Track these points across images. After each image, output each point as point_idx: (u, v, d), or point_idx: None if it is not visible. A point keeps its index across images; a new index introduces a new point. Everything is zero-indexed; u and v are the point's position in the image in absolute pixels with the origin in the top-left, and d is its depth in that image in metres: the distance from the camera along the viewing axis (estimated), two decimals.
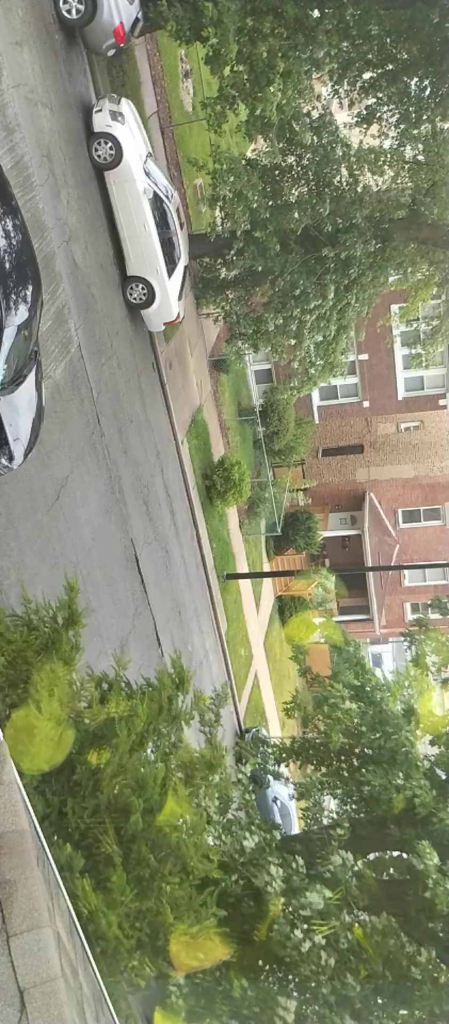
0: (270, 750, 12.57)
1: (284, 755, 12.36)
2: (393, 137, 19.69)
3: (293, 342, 20.24)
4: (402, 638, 12.65)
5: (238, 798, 11.04)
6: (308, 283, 18.70)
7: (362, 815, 11.17)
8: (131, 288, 18.50)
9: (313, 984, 9.31)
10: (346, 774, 11.41)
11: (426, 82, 18.56)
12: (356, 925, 9.85)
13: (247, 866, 9.65)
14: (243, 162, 18.65)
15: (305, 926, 9.15)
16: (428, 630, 12.21)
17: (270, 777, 12.22)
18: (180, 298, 19.45)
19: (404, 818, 10.47)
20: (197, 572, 23.29)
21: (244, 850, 9.71)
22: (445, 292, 21.71)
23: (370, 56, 17.49)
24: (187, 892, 7.91)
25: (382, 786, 10.13)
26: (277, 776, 12.29)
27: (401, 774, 9.99)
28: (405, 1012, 9.65)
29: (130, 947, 7.41)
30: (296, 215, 18.42)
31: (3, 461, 11.06)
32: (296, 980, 9.67)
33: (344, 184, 18.87)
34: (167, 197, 17.98)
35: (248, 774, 11.52)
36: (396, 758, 10.58)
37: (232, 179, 17.66)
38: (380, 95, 19.10)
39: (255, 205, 17.67)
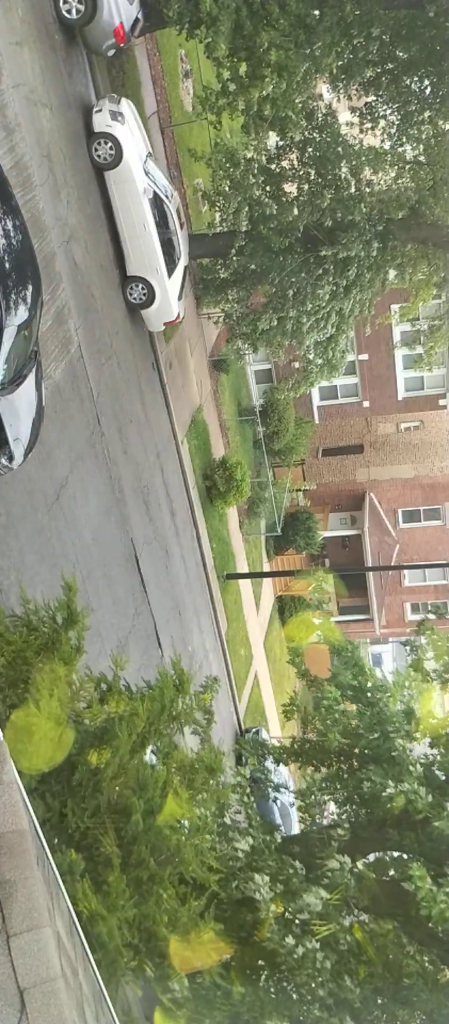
0: (269, 751, 12.55)
1: (284, 756, 12.35)
2: (394, 136, 19.72)
3: (292, 342, 20.25)
4: (404, 646, 12.64)
5: (237, 800, 11.02)
6: (305, 283, 18.70)
7: (362, 816, 11.16)
8: (131, 288, 18.51)
9: (312, 985, 9.31)
10: (346, 775, 11.40)
11: (426, 82, 18.58)
12: (356, 925, 9.85)
13: (244, 870, 9.64)
14: (243, 159, 18.65)
15: (299, 931, 9.15)
16: (431, 631, 12.15)
17: (271, 790, 12.19)
18: (180, 298, 19.45)
19: (404, 820, 10.46)
20: (197, 572, 23.29)
21: (238, 856, 9.70)
22: (445, 292, 21.70)
23: (370, 56, 17.50)
24: (185, 906, 7.90)
25: (382, 785, 10.11)
26: (277, 789, 12.26)
27: (391, 781, 9.95)
28: (404, 1012, 9.65)
29: (126, 955, 7.41)
30: (296, 212, 18.42)
31: (3, 461, 11.06)
32: (294, 983, 9.67)
33: (345, 182, 18.88)
34: (167, 197, 17.99)
35: (247, 775, 11.48)
36: (394, 759, 10.57)
37: (230, 167, 17.63)
38: (380, 94, 19.13)
39: (256, 195, 17.66)
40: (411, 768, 10.04)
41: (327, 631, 12.54)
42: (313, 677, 12.63)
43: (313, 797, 11.01)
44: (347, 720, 11.34)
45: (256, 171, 17.94)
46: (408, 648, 12.28)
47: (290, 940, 8.96)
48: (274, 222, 18.21)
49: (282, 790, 12.42)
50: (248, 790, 11.21)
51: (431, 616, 12.51)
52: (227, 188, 18.08)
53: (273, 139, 19.36)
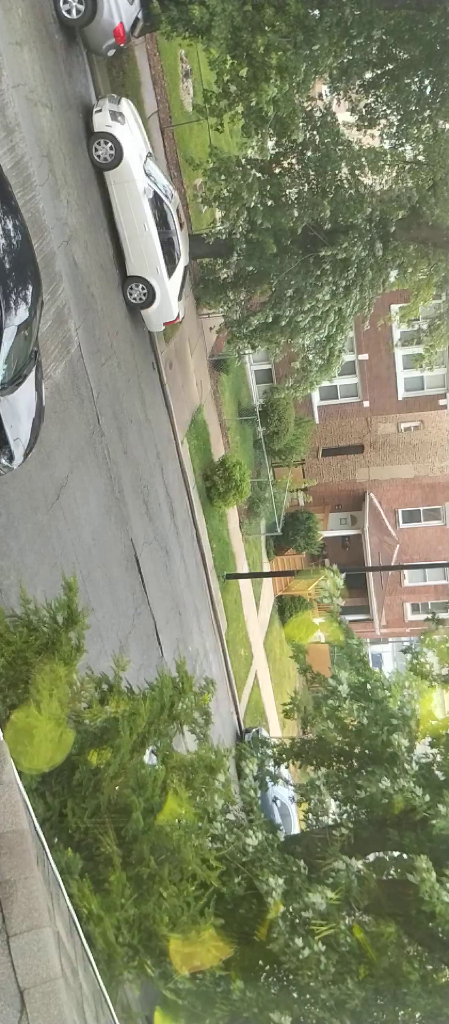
0: (270, 750, 12.53)
1: (284, 756, 12.32)
2: (394, 136, 19.70)
3: (289, 340, 20.25)
4: (405, 652, 12.60)
5: (243, 794, 11.02)
6: (304, 283, 18.70)
7: (362, 816, 11.15)
8: (131, 288, 18.51)
9: (312, 985, 9.30)
10: (346, 775, 11.38)
11: (426, 82, 18.56)
12: (356, 925, 9.84)
13: (249, 866, 9.62)
14: (243, 161, 18.64)
15: (305, 931, 9.14)
16: (432, 642, 12.11)
17: (269, 780, 12.16)
18: (180, 298, 19.45)
19: (404, 820, 10.45)
20: (197, 572, 23.29)
21: (247, 849, 9.68)
22: (445, 292, 21.71)
23: (370, 56, 17.49)
24: (184, 901, 7.89)
25: (381, 791, 10.07)
26: (276, 780, 12.22)
27: (387, 779, 9.90)
28: (405, 1014, 9.64)
29: (125, 955, 7.41)
30: (296, 213, 18.41)
31: (3, 461, 11.06)
32: (296, 984, 9.66)
33: (345, 183, 18.88)
34: (167, 197, 17.99)
35: (255, 771, 11.46)
36: (396, 759, 10.55)
37: (223, 178, 17.64)
38: (380, 94, 19.11)
39: (252, 204, 17.66)
40: (407, 767, 10.01)
41: (331, 632, 12.45)
42: (315, 672, 12.61)
43: (317, 795, 10.98)
44: (349, 713, 11.28)
45: (252, 179, 17.90)
46: (409, 654, 12.26)
47: (298, 942, 8.95)
48: (272, 222, 18.20)
49: (280, 782, 12.38)
50: (256, 784, 11.20)
51: (434, 620, 12.42)
52: (225, 194, 18.08)
53: (272, 140, 19.34)
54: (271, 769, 12.22)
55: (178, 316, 19.58)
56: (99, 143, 16.72)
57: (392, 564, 34.81)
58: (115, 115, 16.81)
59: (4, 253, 10.45)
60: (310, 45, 15.49)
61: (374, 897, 10.18)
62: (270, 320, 19.34)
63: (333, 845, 10.27)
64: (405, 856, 10.80)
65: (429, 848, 10.06)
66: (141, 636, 18.05)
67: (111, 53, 16.69)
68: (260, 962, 10.02)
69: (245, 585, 28.66)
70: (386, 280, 19.98)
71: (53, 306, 14.66)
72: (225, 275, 19.81)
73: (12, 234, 10.74)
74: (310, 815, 11.25)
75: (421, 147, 19.18)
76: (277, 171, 19.37)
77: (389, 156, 19.35)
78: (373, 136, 20.15)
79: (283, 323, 19.25)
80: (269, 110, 15.80)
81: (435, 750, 11.24)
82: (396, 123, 19.41)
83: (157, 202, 17.76)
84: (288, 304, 18.89)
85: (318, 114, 18.65)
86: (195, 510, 23.27)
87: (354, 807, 11.12)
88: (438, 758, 11.08)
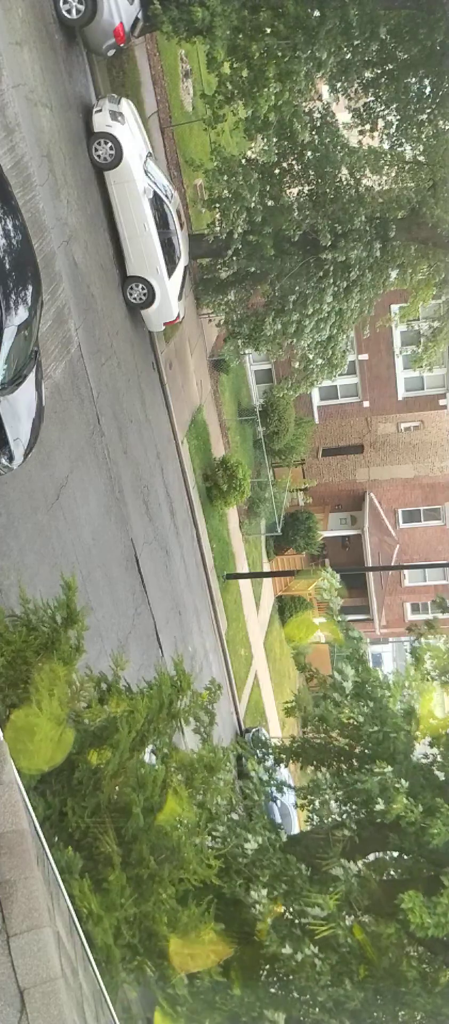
0: (270, 750, 12.52)
1: (284, 755, 12.32)
2: (394, 136, 19.71)
3: (292, 341, 20.27)
4: (408, 632, 12.61)
5: (248, 797, 11.00)
6: (306, 287, 18.71)
7: (362, 816, 11.13)
8: (131, 288, 18.51)
9: (310, 987, 9.30)
10: (346, 775, 11.37)
11: (426, 82, 18.56)
12: (356, 925, 9.84)
13: (249, 867, 9.61)
14: (243, 161, 18.64)
15: (299, 932, 9.13)
16: (431, 629, 12.13)
17: (274, 791, 12.15)
18: (180, 298, 19.45)
19: (402, 824, 10.43)
20: (197, 572, 23.29)
21: (246, 852, 9.68)
22: (445, 293, 21.71)
23: (370, 56, 17.49)
24: (185, 907, 7.89)
25: (374, 795, 10.04)
26: (280, 789, 12.20)
27: (381, 801, 9.86)
28: (404, 1014, 9.63)
29: (124, 956, 7.41)
30: (296, 215, 18.40)
31: (3, 461, 11.06)
32: (295, 985, 9.66)
33: (345, 184, 18.87)
34: (167, 197, 17.99)
35: (262, 775, 11.44)
36: (395, 758, 10.54)
37: (226, 178, 17.64)
38: (380, 94, 19.11)
39: (252, 205, 17.66)
40: (397, 786, 9.95)
41: (331, 631, 12.45)
42: (315, 669, 12.62)
43: (321, 796, 10.95)
44: (350, 710, 11.27)
45: (254, 180, 17.90)
46: (414, 637, 12.27)
47: (288, 949, 8.95)
48: (271, 223, 18.19)
49: (284, 789, 12.36)
50: (263, 788, 11.18)
51: (437, 615, 12.47)
52: (225, 193, 18.08)
53: (273, 141, 19.32)
54: (275, 779, 12.22)
55: (178, 316, 19.58)
56: (99, 143, 16.72)
57: (392, 564, 34.80)
58: (115, 115, 16.81)
59: (4, 253, 10.45)
60: (311, 46, 15.47)
61: (375, 898, 10.18)
62: (279, 326, 19.35)
63: (335, 847, 10.26)
64: (405, 857, 10.80)
65: (429, 850, 10.06)
66: (141, 636, 18.05)
67: (111, 53, 16.69)
68: (260, 961, 10.02)
69: (245, 585, 28.66)
70: (386, 280, 19.98)
71: (53, 306, 14.66)
72: (225, 275, 19.81)
73: (12, 234, 10.74)
74: (314, 816, 11.23)
75: (421, 147, 19.19)
76: (276, 172, 19.37)
77: (389, 156, 19.36)
78: (373, 137, 20.16)
79: (290, 329, 19.26)
80: (270, 115, 15.80)
81: (435, 750, 11.24)
82: (396, 123, 19.43)
83: (157, 202, 17.76)
84: (292, 308, 18.89)
85: (317, 115, 18.65)
86: (195, 510, 23.27)
87: (354, 807, 11.12)
88: (438, 758, 11.08)
